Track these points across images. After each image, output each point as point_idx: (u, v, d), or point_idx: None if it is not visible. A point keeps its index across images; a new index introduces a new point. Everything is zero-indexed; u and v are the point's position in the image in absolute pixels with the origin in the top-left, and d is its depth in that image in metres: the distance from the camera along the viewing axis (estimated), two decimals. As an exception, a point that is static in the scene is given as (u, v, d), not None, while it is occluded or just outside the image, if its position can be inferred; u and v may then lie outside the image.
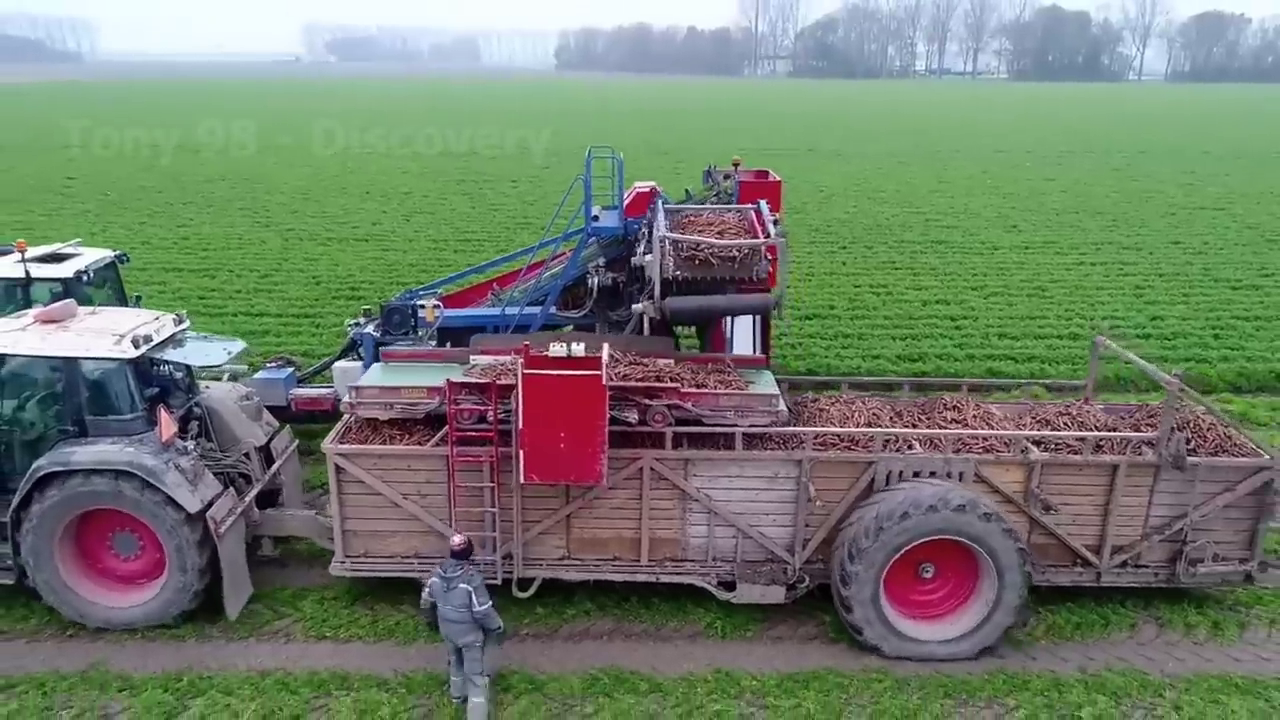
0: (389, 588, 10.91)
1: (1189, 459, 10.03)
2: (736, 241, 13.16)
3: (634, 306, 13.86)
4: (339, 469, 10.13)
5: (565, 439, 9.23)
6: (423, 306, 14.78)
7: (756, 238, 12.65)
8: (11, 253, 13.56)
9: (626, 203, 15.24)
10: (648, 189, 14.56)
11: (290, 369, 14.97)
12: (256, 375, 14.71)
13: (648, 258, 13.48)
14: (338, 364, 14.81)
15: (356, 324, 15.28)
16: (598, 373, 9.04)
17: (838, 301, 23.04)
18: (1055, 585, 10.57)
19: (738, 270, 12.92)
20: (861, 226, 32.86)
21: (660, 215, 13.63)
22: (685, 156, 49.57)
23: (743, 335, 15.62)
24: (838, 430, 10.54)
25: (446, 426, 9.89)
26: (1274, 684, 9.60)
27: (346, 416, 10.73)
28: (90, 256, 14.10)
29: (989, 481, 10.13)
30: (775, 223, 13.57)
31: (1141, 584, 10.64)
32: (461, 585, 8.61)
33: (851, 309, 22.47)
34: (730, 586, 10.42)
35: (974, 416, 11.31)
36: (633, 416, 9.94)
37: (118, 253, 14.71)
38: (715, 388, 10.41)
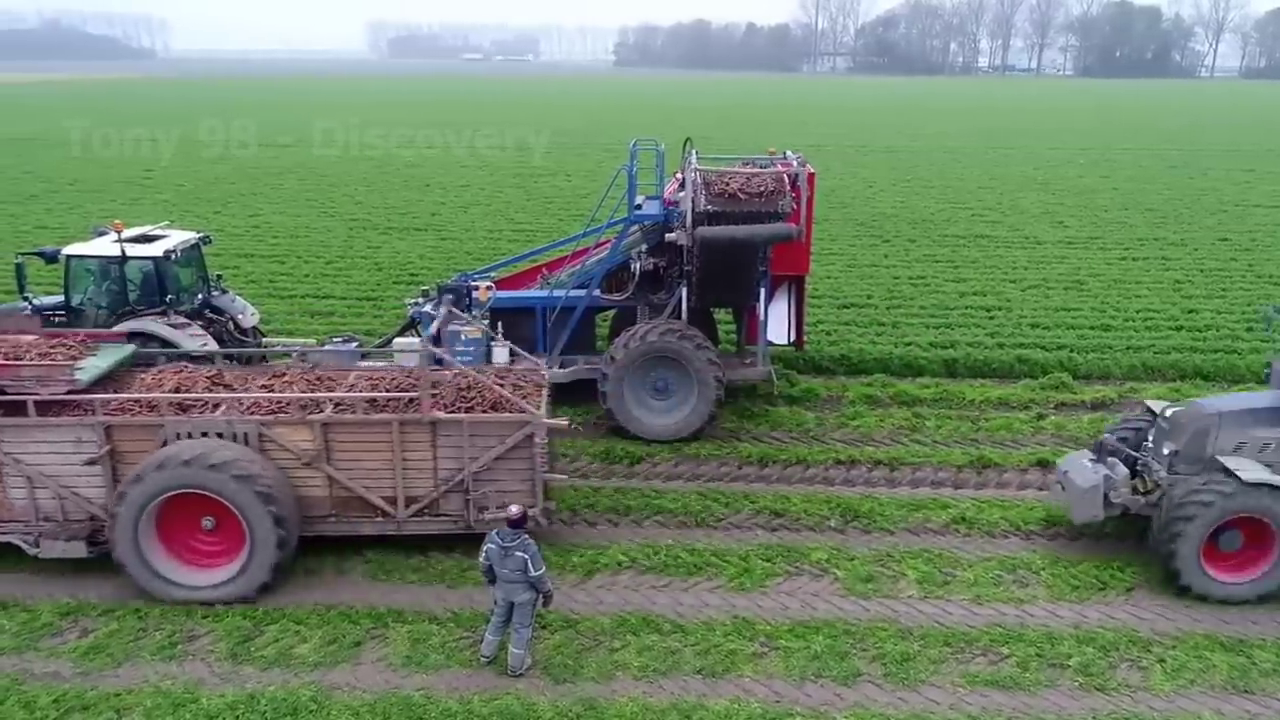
0: (441, 538, 12.10)
1: (458, 415, 11.11)
2: (760, 171, 14.44)
3: (668, 236, 15.09)
4: None
5: None
6: (477, 287, 15.93)
7: (784, 180, 14.02)
8: (109, 233, 15.02)
9: (667, 192, 16.27)
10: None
11: (354, 344, 16.17)
12: (323, 350, 15.91)
13: (681, 193, 14.73)
14: (397, 340, 15.99)
15: (415, 303, 16.45)
16: None
17: (875, 291, 23.73)
18: (361, 535, 11.50)
19: (764, 205, 14.15)
20: (906, 220, 33.38)
21: (694, 157, 14.91)
22: (740, 153, 50.24)
23: (777, 320, 16.57)
24: (131, 396, 11.40)
25: None
26: (1258, 644, 10.23)
27: None
28: (178, 237, 15.52)
29: (278, 441, 10.97)
30: (803, 164, 14.92)
31: (443, 531, 11.55)
32: (518, 553, 9.41)
33: (889, 298, 23.15)
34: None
35: (284, 382, 12.12)
36: None
37: (202, 234, 16.10)
38: (38, 359, 11.31)
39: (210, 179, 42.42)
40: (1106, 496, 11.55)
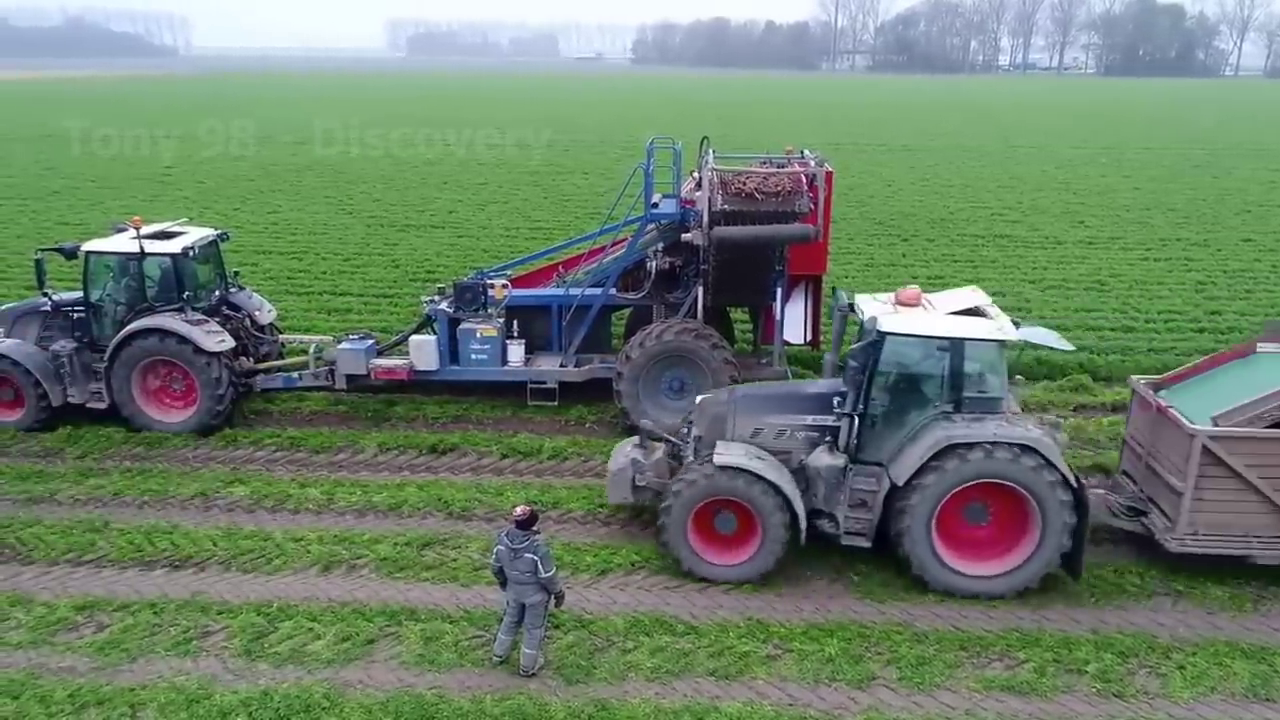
0: (455, 535, 12.10)
1: None
2: (778, 171, 14.37)
3: (684, 235, 15.04)
4: None
5: None
6: (493, 285, 15.93)
7: (801, 180, 13.93)
8: (127, 230, 15.09)
9: (684, 190, 16.20)
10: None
11: (370, 341, 16.19)
12: (339, 346, 15.94)
13: (698, 193, 14.65)
14: (413, 337, 16.01)
15: (431, 301, 16.46)
16: None
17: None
18: None
19: (781, 204, 14.08)
20: (925, 220, 33.17)
21: (711, 156, 14.81)
22: (757, 152, 50.04)
23: (793, 319, 16.48)
24: None
25: None
26: (1280, 651, 10.09)
27: None
28: (196, 234, 15.56)
29: None
30: (821, 164, 14.82)
31: None
32: (527, 555, 9.30)
33: (906, 299, 22.94)
34: None
35: None
36: None
37: (220, 231, 16.14)
38: None
39: (230, 176, 42.66)
40: (633, 480, 11.84)
